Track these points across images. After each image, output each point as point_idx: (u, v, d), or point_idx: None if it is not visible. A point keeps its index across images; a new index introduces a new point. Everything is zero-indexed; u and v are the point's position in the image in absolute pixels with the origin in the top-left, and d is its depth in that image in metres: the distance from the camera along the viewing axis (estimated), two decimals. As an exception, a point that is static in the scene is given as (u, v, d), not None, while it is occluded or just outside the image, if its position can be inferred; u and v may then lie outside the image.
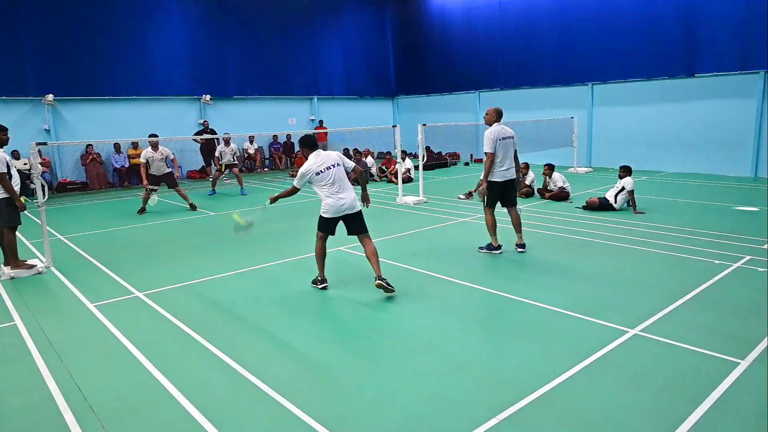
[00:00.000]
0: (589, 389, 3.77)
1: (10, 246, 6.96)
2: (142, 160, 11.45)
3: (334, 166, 5.66)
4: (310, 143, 5.81)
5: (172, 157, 11.72)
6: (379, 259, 5.79)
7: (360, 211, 5.79)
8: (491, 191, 7.28)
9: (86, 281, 6.74)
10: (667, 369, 4.02)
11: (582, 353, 4.28)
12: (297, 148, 20.19)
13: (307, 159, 5.75)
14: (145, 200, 11.60)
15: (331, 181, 5.62)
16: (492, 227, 7.35)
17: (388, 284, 5.56)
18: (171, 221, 10.66)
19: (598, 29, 16.99)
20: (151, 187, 11.60)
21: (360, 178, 6.03)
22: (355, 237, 5.90)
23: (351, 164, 5.85)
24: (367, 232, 5.82)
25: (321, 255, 5.97)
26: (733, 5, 14.09)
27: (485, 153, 7.12)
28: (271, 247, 8.25)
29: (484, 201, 7.41)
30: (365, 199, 6.05)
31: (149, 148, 11.45)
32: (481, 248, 7.50)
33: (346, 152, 17.99)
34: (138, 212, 11.52)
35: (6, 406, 3.81)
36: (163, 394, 3.87)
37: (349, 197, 5.66)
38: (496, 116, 7.26)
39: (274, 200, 5.97)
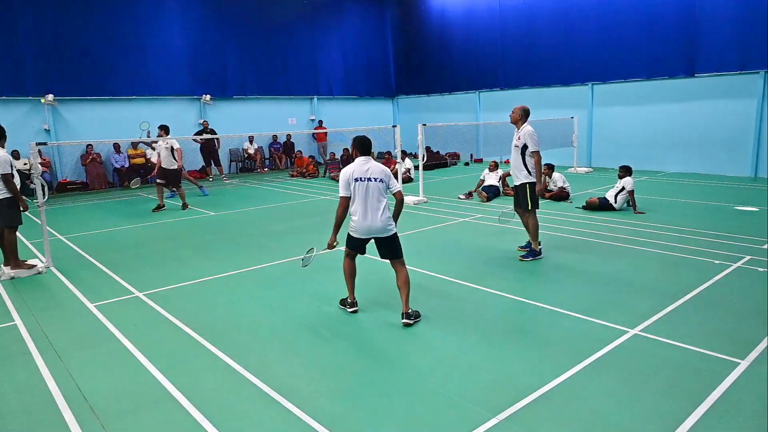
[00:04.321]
0: (589, 389, 3.77)
1: (10, 246, 6.97)
2: (156, 151, 11.91)
3: (376, 180, 5.04)
4: (364, 146, 5.17)
5: (177, 146, 11.72)
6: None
7: (394, 235, 5.17)
8: (536, 193, 6.98)
9: (86, 281, 6.74)
10: (667, 369, 4.02)
11: (582, 353, 4.28)
12: (297, 148, 20.21)
13: (354, 160, 5.19)
14: (160, 196, 11.90)
15: (366, 194, 5.02)
16: (537, 231, 7.03)
17: (412, 320, 5.07)
18: (171, 221, 10.66)
19: (598, 29, 16.99)
20: (159, 181, 11.82)
21: (398, 205, 5.26)
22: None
23: (396, 186, 5.19)
24: (400, 258, 5.18)
25: (348, 273, 5.38)
26: (733, 5, 14.09)
27: (533, 152, 6.78)
28: (271, 247, 8.25)
29: (528, 204, 6.95)
30: None
31: (159, 139, 11.64)
32: (524, 257, 7.04)
33: (346, 152, 18.02)
34: (153, 210, 11.74)
35: (6, 406, 3.81)
36: (163, 394, 3.87)
37: (381, 219, 5.05)
38: (524, 115, 7.01)
39: (333, 241, 5.24)
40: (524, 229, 7.38)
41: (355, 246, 5.27)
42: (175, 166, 11.69)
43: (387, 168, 5.24)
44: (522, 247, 7.42)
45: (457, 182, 15.01)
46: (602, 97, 17.47)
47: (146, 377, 4.13)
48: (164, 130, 11.63)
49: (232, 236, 9.13)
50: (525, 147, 6.86)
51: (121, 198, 14.11)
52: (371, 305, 5.52)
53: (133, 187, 13.18)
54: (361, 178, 5.04)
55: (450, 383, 3.90)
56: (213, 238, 9.10)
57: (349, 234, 5.25)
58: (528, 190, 6.95)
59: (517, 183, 7.10)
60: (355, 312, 5.38)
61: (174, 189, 12.04)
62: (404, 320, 5.06)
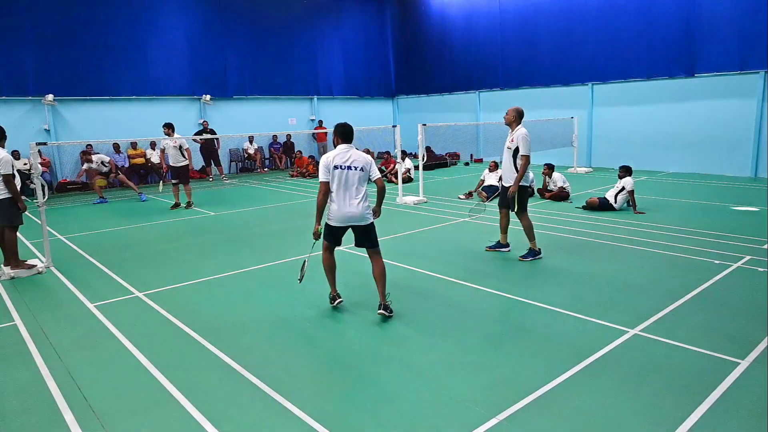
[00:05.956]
0: (589, 389, 3.77)
1: (11, 246, 6.97)
2: (159, 148, 11.86)
3: (356, 169, 5.01)
4: (346, 134, 5.14)
5: (186, 146, 11.80)
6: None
7: (371, 224, 5.18)
8: (525, 195, 7.06)
9: (86, 281, 6.74)
10: (667, 369, 4.02)
11: (582, 353, 4.28)
12: (297, 148, 20.21)
13: (335, 148, 5.15)
14: (176, 194, 12.00)
15: (345, 182, 5.00)
16: (532, 231, 7.08)
17: (389, 312, 5.12)
18: (171, 221, 10.65)
19: (598, 29, 17.00)
20: (173, 181, 11.91)
21: (379, 192, 5.23)
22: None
23: (377, 174, 5.16)
24: (376, 247, 5.22)
25: (328, 267, 5.35)
26: (733, 5, 14.09)
27: (523, 156, 6.78)
28: (271, 247, 8.25)
29: (515, 206, 6.95)
30: (375, 213, 5.32)
31: (167, 138, 11.65)
32: (524, 257, 7.06)
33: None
34: (171, 207, 11.88)
35: (6, 406, 3.81)
36: (163, 394, 3.87)
37: (359, 207, 5.04)
38: (518, 117, 7.00)
39: (318, 231, 5.14)
40: (497, 225, 7.47)
41: (332, 236, 5.24)
42: (183, 163, 11.77)
43: (369, 156, 5.24)
44: (490, 248, 7.50)
45: (457, 182, 15.01)
46: (602, 97, 17.47)
47: (146, 377, 4.13)
48: (170, 128, 11.69)
49: (232, 236, 9.13)
50: (518, 149, 6.90)
51: (121, 198, 14.10)
52: (370, 306, 5.51)
53: (161, 190, 13.26)
54: (341, 166, 5.02)
55: (450, 383, 3.90)
56: (213, 238, 9.10)
57: (326, 223, 5.21)
58: (516, 193, 6.94)
59: (507, 185, 7.13)
60: (340, 303, 5.42)
61: (187, 188, 12.03)
62: (380, 311, 5.11)
